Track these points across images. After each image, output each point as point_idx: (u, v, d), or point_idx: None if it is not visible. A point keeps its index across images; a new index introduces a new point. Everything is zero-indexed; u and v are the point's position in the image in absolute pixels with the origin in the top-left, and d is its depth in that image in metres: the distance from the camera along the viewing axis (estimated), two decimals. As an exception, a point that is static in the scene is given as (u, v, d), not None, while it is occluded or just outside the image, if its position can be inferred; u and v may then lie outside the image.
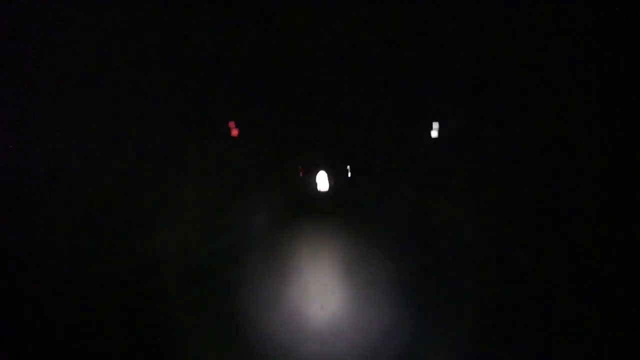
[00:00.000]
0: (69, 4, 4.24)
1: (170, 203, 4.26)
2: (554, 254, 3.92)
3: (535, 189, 4.28)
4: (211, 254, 4.15)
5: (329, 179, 4.79)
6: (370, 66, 4.68)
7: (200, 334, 3.18)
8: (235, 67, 4.64)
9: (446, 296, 3.54)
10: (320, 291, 3.70)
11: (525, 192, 4.28)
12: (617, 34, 4.10)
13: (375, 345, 3.07)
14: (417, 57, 4.56)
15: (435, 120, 4.62)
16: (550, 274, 3.74)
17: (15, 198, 4.10)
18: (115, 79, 4.39)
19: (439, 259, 4.04)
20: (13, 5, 4.15)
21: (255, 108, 4.76)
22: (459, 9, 4.41)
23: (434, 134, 4.64)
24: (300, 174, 4.90)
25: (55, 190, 4.15)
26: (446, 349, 3.00)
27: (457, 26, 4.45)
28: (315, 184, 4.76)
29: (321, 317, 3.40)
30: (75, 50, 4.35)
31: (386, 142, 4.79)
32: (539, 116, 4.36)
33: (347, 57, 4.68)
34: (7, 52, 4.23)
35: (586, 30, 4.19)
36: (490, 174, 4.43)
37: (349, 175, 4.87)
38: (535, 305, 3.42)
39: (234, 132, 4.65)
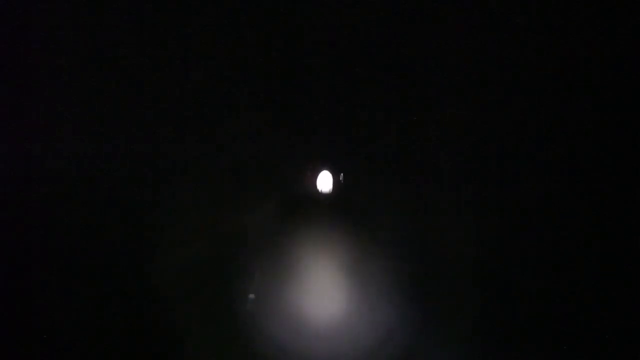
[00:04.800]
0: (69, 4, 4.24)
1: (168, 205, 4.25)
2: (554, 256, 3.91)
3: (536, 190, 4.27)
4: (209, 256, 4.14)
5: (330, 179, 4.76)
6: (371, 64, 4.66)
7: (199, 336, 3.17)
8: (234, 67, 4.63)
9: (446, 298, 3.53)
10: (321, 292, 3.69)
11: (526, 193, 4.28)
12: (617, 33, 4.09)
13: (374, 346, 3.06)
14: (420, 55, 4.55)
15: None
16: (551, 275, 3.73)
17: (14, 198, 4.10)
18: (112, 78, 4.37)
19: (440, 261, 4.03)
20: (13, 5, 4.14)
21: (254, 107, 4.74)
22: (459, 8, 4.40)
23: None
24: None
25: (49, 192, 4.11)
26: (447, 350, 2.99)
27: (456, 25, 4.44)
28: (316, 185, 4.73)
29: (320, 318, 3.40)
30: (75, 50, 4.35)
31: (388, 141, 4.77)
32: (540, 116, 4.36)
33: (346, 55, 4.67)
34: (7, 52, 4.22)
35: (586, 30, 4.18)
36: (492, 175, 4.42)
37: (350, 176, 4.85)
38: (536, 307, 3.42)
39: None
